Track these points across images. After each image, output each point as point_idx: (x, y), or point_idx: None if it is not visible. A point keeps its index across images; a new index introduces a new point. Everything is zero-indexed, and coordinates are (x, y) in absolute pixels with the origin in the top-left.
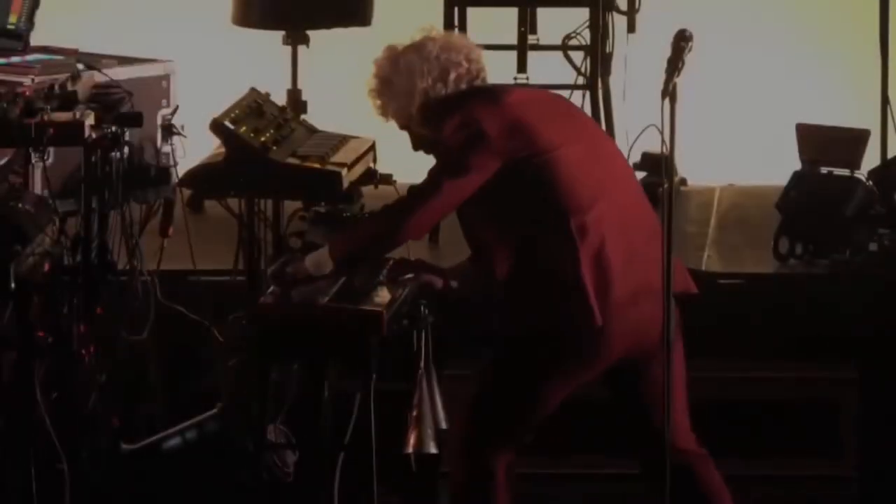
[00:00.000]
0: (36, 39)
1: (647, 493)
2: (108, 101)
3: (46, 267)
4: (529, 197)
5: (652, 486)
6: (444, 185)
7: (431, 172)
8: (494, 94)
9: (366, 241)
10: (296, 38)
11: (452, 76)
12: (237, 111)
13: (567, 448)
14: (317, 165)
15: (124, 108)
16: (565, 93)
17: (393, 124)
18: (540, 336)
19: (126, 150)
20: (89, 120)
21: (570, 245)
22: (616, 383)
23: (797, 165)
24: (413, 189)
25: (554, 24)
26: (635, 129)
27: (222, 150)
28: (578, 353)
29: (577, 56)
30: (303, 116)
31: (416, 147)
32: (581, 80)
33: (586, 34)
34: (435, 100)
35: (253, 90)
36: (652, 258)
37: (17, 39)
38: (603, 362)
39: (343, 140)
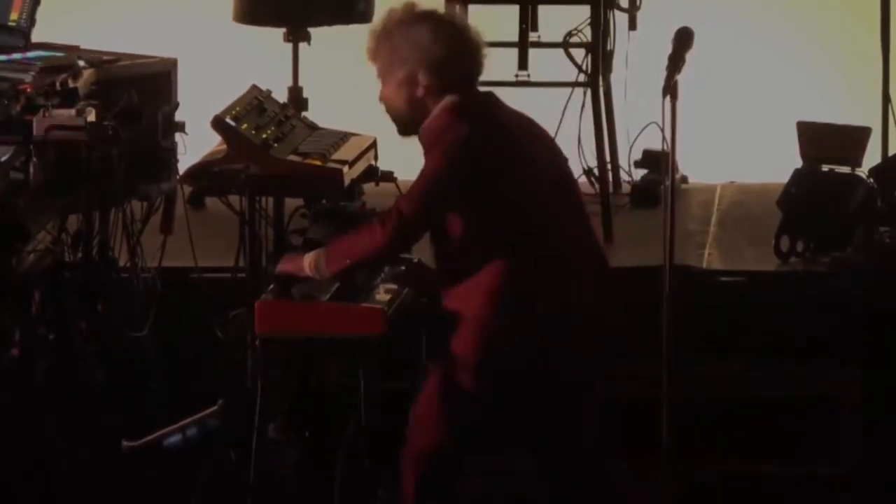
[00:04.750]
0: (37, 36)
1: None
2: (109, 98)
3: (47, 264)
4: (475, 228)
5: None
6: (422, 206)
7: (412, 191)
8: (482, 123)
9: (356, 256)
10: (297, 36)
11: (451, 68)
12: (238, 108)
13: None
14: (318, 163)
15: (125, 105)
16: (566, 91)
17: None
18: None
19: (127, 147)
20: (90, 117)
21: (496, 283)
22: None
23: (798, 163)
24: (397, 204)
25: (555, 21)
26: (636, 126)
27: (224, 147)
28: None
29: (579, 53)
30: (304, 114)
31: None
32: (582, 78)
33: (587, 31)
34: (426, 89)
35: (254, 87)
36: (579, 296)
37: (19, 36)
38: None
39: (344, 137)
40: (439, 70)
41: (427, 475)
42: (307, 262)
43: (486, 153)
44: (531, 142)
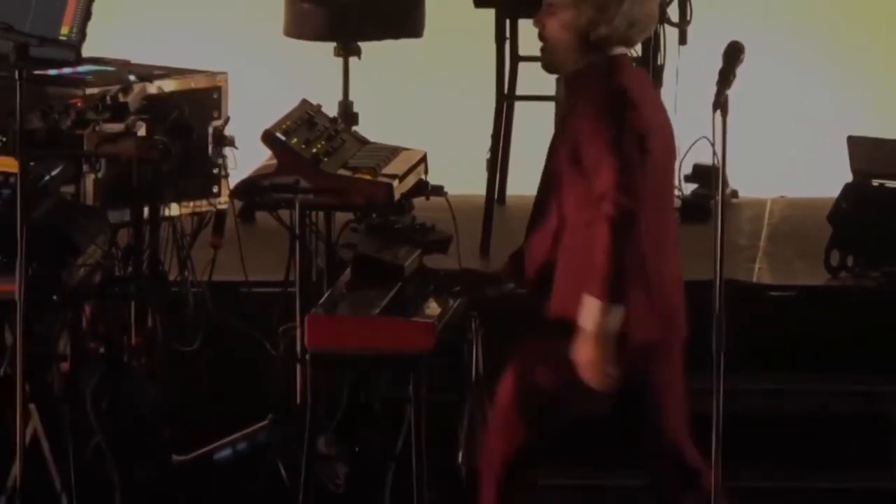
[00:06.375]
0: (88, 50)
1: None
2: (160, 112)
3: (98, 278)
4: None
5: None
6: (631, 197)
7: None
8: (642, 97)
9: (608, 271)
10: (347, 50)
11: (624, 28)
12: (289, 122)
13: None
14: (368, 177)
15: (176, 119)
16: None
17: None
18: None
19: (177, 161)
20: (140, 131)
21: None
22: (624, 399)
23: (848, 177)
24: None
25: None
26: (687, 140)
27: (274, 161)
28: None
29: None
30: (354, 128)
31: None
32: None
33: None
34: (590, 41)
35: (304, 102)
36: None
37: (70, 50)
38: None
39: (394, 152)
40: (610, 28)
41: (507, 479)
42: (590, 327)
43: (642, 111)
44: (666, 124)
